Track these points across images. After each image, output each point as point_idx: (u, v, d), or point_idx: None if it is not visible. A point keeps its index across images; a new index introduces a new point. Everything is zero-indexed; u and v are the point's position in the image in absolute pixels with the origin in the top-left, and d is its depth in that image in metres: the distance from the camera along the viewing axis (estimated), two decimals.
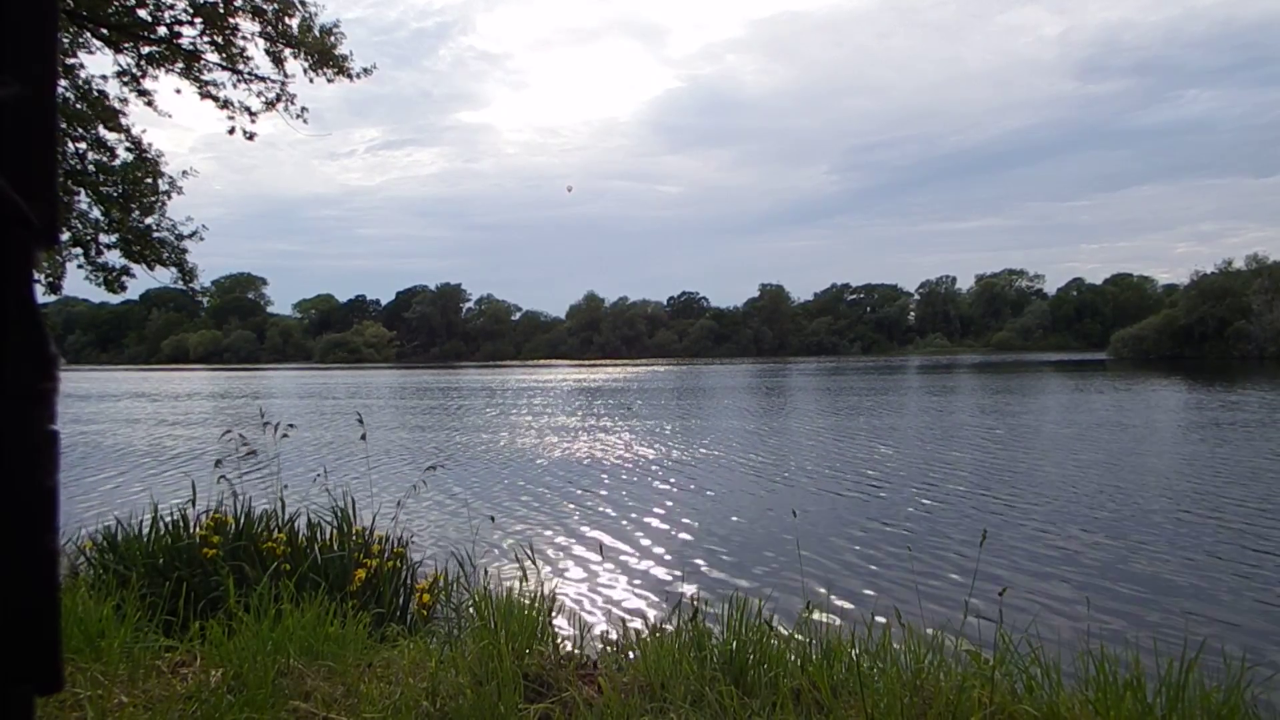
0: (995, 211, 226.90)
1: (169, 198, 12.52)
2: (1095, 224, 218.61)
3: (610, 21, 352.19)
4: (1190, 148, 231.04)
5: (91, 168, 11.96)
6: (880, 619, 4.46)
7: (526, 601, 4.45)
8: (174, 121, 14.06)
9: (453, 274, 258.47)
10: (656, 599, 8.76)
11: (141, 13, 11.26)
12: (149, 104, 11.94)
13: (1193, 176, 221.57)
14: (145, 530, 6.40)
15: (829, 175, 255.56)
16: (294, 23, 11.35)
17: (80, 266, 12.38)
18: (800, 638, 4.06)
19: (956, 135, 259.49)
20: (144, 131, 12.28)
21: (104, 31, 11.13)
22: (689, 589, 8.07)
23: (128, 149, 12.12)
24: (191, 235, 12.79)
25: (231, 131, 11.99)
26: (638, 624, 5.08)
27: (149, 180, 12.25)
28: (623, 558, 10.54)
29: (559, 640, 4.50)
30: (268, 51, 11.52)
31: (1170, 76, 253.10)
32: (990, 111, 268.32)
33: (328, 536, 6.65)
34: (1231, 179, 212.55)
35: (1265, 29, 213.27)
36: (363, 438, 9.48)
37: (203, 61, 11.59)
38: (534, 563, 5.08)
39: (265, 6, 11.22)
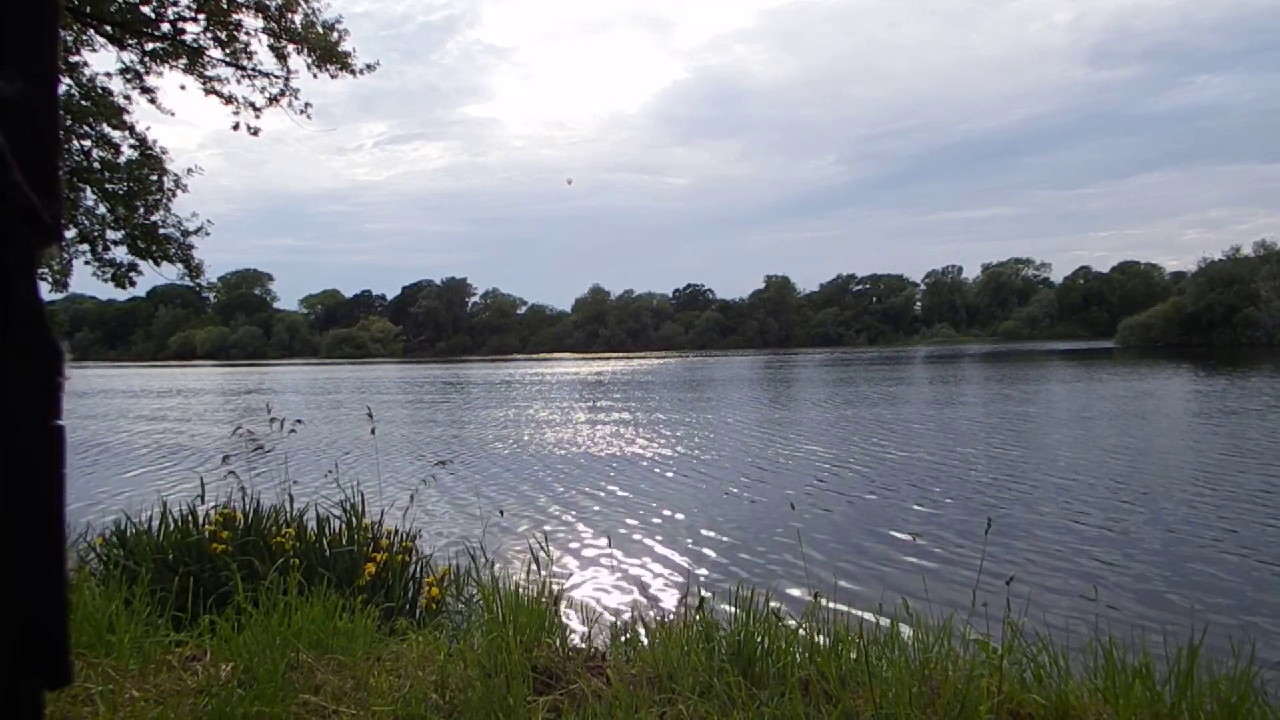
0: (1003, 200, 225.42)
1: (174, 194, 12.58)
2: (1103, 212, 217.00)
3: (618, 13, 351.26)
4: (1201, 134, 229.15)
5: (97, 165, 11.99)
6: (888, 609, 4.46)
7: (535, 594, 4.46)
8: (181, 118, 14.13)
9: (459, 268, 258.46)
10: (664, 590, 8.78)
11: (145, 9, 11.28)
12: (152, 100, 11.97)
13: (1203, 163, 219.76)
14: (154, 525, 6.43)
15: (836, 166, 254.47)
16: (297, 19, 11.36)
17: (87, 263, 12.46)
18: (809, 627, 4.07)
19: (965, 124, 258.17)
20: (149, 129, 12.33)
21: (107, 29, 11.14)
22: (697, 580, 8.08)
23: (132, 146, 12.16)
24: (197, 231, 12.85)
25: (236, 127, 12.05)
26: (646, 616, 5.09)
27: (154, 177, 12.29)
28: (631, 549, 10.56)
29: (567, 632, 4.51)
30: (271, 47, 11.54)
31: (1182, 62, 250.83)
32: (999, 99, 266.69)
33: (336, 531, 6.67)
34: (1242, 165, 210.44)
35: (1278, 13, 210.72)
36: (373, 432, 9.52)
37: (206, 58, 11.61)
38: (544, 555, 5.09)
39: (268, 2, 11.23)
